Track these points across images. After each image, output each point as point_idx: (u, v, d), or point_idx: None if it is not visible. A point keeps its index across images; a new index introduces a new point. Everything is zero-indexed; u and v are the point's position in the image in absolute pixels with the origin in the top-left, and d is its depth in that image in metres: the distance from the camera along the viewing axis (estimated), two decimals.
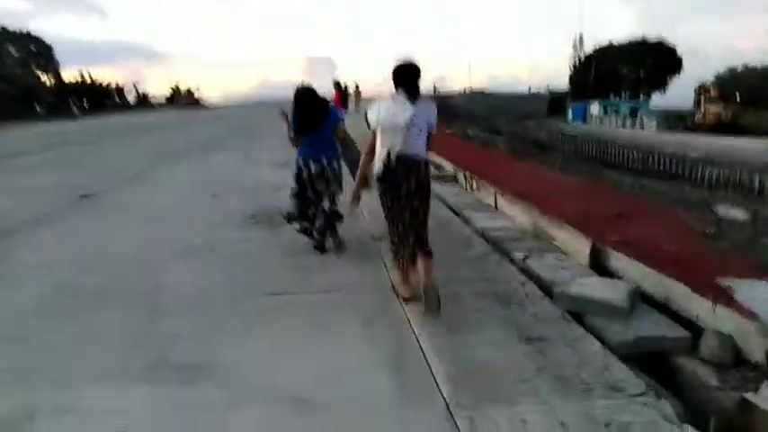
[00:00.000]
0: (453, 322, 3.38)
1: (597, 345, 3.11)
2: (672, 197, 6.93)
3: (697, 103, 43.94)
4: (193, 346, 3.11)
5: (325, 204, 4.72)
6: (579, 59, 66.59)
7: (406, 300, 3.67)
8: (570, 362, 2.91)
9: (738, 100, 37.57)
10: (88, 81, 42.83)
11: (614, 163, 13.10)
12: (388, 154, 3.43)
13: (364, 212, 6.26)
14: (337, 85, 19.75)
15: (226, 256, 4.70)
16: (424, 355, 2.99)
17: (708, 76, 46.62)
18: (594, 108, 51.57)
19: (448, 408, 2.48)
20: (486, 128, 23.60)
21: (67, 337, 3.25)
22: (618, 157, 13.14)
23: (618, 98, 56.00)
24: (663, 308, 3.65)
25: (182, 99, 48.02)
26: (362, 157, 3.73)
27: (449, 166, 9.42)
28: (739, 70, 66.13)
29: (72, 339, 3.21)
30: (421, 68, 3.51)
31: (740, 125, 31.93)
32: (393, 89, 3.52)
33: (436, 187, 8.10)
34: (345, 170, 4.94)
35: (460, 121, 25.72)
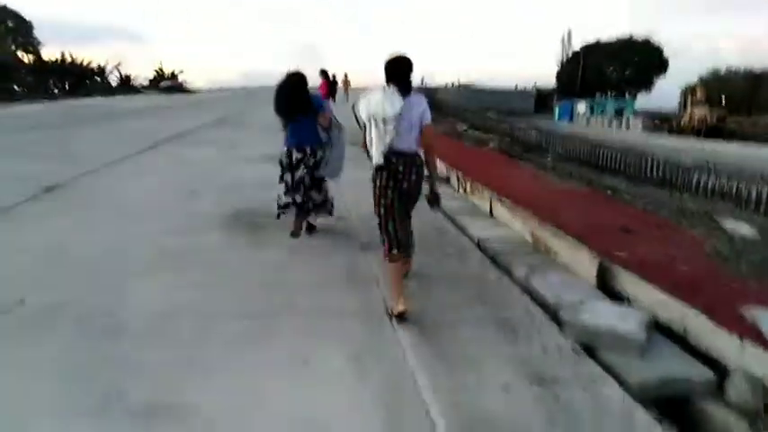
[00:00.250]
0: (454, 357, 3.01)
1: (615, 387, 2.76)
2: (670, 207, 6.62)
3: (683, 105, 44.14)
4: (153, 381, 2.68)
5: (315, 197, 5.09)
6: (567, 56, 66.66)
7: (400, 315, 3.40)
8: (588, 410, 2.56)
9: (724, 104, 37.72)
10: (69, 61, 41.39)
11: (606, 166, 12.85)
12: (381, 147, 3.48)
13: (353, 216, 5.88)
14: (323, 73, 19.08)
15: (199, 267, 4.25)
16: (422, 399, 2.60)
17: (691, 77, 46.90)
18: (581, 107, 51.70)
19: None
20: (474, 124, 23.28)
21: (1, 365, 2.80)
22: (610, 161, 12.88)
23: (604, 97, 56.19)
24: (678, 339, 3.33)
25: (165, 82, 46.66)
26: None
27: (441, 167, 9.02)
28: (722, 72, 66.81)
29: (6, 369, 2.76)
30: (412, 62, 3.55)
31: (726, 129, 32.06)
32: (384, 82, 3.54)
33: (427, 189, 7.73)
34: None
35: (448, 116, 25.37)
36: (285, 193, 5.10)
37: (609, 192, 7.10)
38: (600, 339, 3.11)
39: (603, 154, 13.18)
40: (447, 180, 8.38)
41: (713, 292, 3.54)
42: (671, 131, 38.24)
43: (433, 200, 3.91)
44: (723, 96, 38.87)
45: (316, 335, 3.22)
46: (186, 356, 2.92)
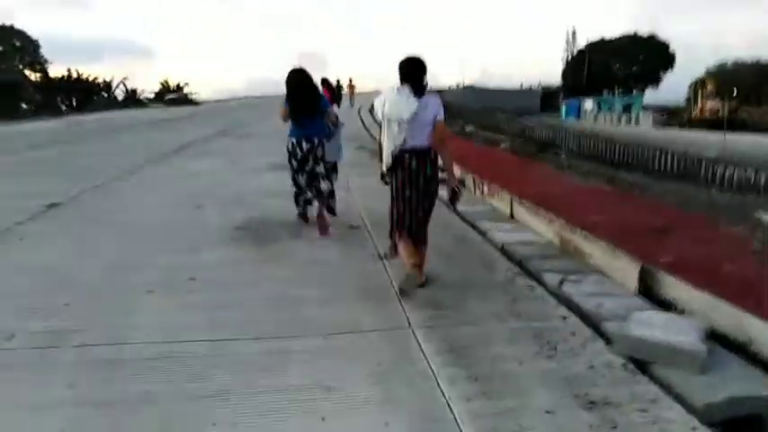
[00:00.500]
0: (490, 378, 2.69)
1: (678, 410, 2.43)
2: (701, 202, 6.27)
3: (693, 98, 43.56)
4: (159, 420, 2.38)
5: (323, 186, 5.29)
6: (572, 55, 66.23)
7: (414, 266, 3.69)
8: None
9: (735, 95, 37.12)
10: (75, 77, 41.56)
11: (623, 162, 12.46)
12: (392, 147, 3.56)
13: (367, 224, 5.59)
14: (324, 82, 18.93)
15: (206, 287, 3.95)
16: (460, 430, 2.29)
17: (698, 72, 46.39)
18: (588, 104, 51.27)
19: None
20: (483, 125, 22.95)
21: None
22: (626, 156, 12.48)
23: (611, 94, 55.69)
24: (736, 347, 3.00)
25: (170, 95, 46.79)
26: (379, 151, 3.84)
27: (455, 169, 8.72)
28: (729, 65, 66.12)
29: None
30: (426, 64, 3.61)
31: (738, 121, 31.46)
32: (399, 83, 3.59)
33: (442, 192, 7.42)
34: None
35: (455, 118, 25.06)
36: (298, 195, 5.41)
37: (636, 189, 6.76)
38: (654, 354, 2.78)
39: (619, 149, 12.79)
40: (463, 183, 8.06)
41: None
42: (682, 125, 37.72)
43: (452, 196, 4.03)
44: (735, 88, 38.20)
45: (336, 356, 2.92)
46: (194, 388, 2.62)
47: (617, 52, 62.14)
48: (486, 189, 7.00)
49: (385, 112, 3.58)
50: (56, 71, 42.27)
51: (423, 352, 2.95)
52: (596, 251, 4.34)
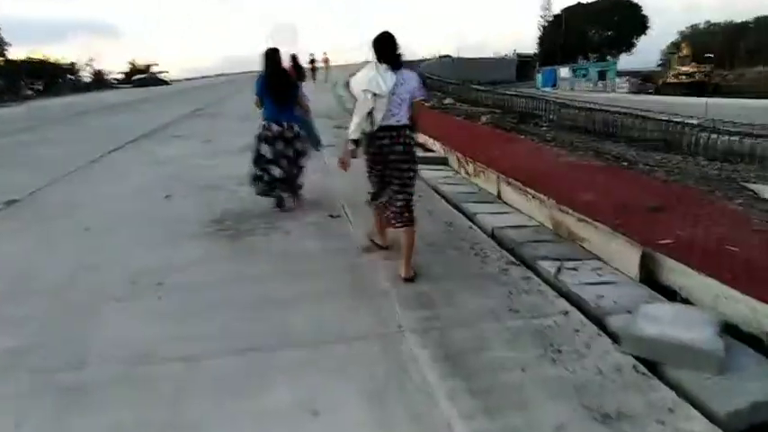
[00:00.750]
0: (491, 388, 2.46)
1: (700, 420, 2.23)
2: (690, 174, 6.10)
3: (667, 62, 43.67)
4: None
5: (294, 171, 5.29)
6: (547, 21, 65.73)
7: (384, 248, 4.08)
8: None
9: (711, 58, 37.28)
10: (39, 60, 39.68)
11: (605, 131, 12.27)
12: (374, 122, 3.55)
13: (348, 212, 5.29)
14: (293, 59, 18.53)
15: (176, 291, 3.62)
16: None
17: (671, 36, 46.59)
18: (564, 72, 51.15)
19: None
20: (462, 98, 22.55)
21: None
22: (609, 126, 12.29)
23: (586, 61, 55.51)
24: (752, 341, 2.81)
25: (138, 75, 45.18)
26: (351, 126, 3.72)
27: (437, 146, 8.41)
28: (701, 26, 66.37)
29: None
30: (396, 38, 3.63)
31: (714, 85, 31.61)
32: (374, 59, 3.62)
33: (425, 173, 7.13)
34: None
35: (432, 90, 24.58)
36: (256, 165, 5.23)
37: (625, 163, 6.54)
38: (666, 354, 2.57)
39: (601, 119, 12.59)
40: (444, 161, 7.78)
41: None
42: (657, 91, 37.83)
43: None
44: (711, 51, 38.33)
45: (323, 370, 2.66)
46: (164, 419, 2.33)
47: (593, 16, 61.82)
48: (471, 168, 6.73)
49: (364, 88, 3.58)
50: (17, 53, 40.36)
51: (417, 361, 2.69)
52: (592, 234, 4.12)
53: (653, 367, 2.60)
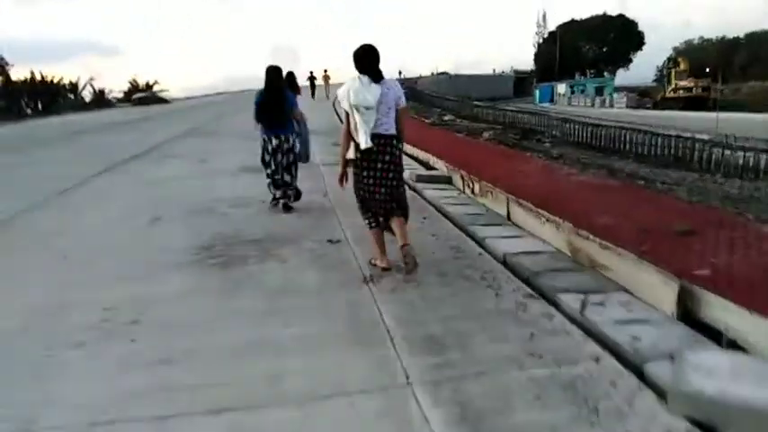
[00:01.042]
0: None
1: None
2: (711, 192, 5.71)
3: (666, 77, 43.67)
4: None
5: (286, 177, 5.88)
6: (543, 37, 66.14)
7: (385, 269, 3.91)
8: None
9: (708, 73, 37.27)
10: (39, 79, 39.55)
11: (611, 147, 11.94)
12: (364, 132, 3.64)
13: (348, 237, 4.90)
14: (290, 75, 18.39)
15: (153, 333, 3.21)
16: None
17: (666, 52, 46.89)
18: (562, 88, 51.27)
19: None
20: (461, 114, 22.31)
21: None
22: (615, 142, 11.95)
23: (583, 77, 55.68)
24: None
25: (138, 94, 45.07)
26: (342, 142, 3.92)
27: (440, 164, 8.05)
28: (696, 42, 66.88)
29: None
30: (378, 50, 3.76)
31: (713, 100, 31.40)
32: (357, 72, 3.72)
33: (429, 192, 6.76)
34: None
35: (432, 107, 24.37)
36: (271, 186, 5.90)
37: (641, 182, 6.17)
38: (729, 417, 2.15)
39: (605, 134, 12.26)
40: (448, 180, 7.41)
41: None
42: (656, 106, 37.77)
43: None
44: (706, 66, 38.39)
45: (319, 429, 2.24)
46: None
47: (588, 33, 62.29)
48: (476, 187, 6.35)
49: (352, 101, 3.67)
50: (19, 73, 40.28)
51: (429, 424, 2.28)
52: (615, 262, 3.73)
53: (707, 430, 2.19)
